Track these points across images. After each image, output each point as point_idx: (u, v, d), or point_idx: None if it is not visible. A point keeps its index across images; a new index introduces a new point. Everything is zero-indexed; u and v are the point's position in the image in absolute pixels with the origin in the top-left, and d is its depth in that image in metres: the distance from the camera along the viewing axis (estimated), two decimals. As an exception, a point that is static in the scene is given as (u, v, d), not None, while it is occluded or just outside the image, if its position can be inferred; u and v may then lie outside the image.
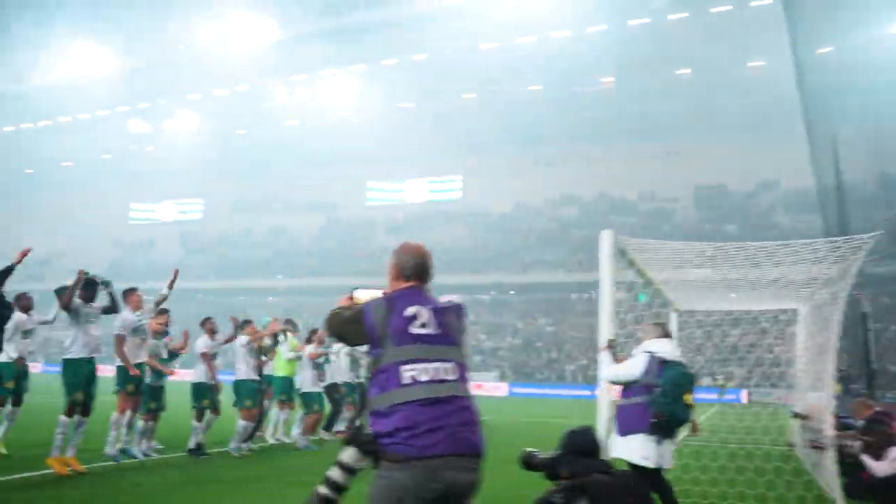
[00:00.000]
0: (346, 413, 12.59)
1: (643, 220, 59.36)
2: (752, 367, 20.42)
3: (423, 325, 3.07)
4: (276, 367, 10.95)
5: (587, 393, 42.89)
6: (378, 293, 3.31)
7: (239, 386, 9.78)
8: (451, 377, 2.99)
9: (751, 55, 56.18)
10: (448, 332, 3.16)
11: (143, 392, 8.50)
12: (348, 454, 2.90)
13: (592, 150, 65.71)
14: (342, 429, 12.44)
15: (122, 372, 8.16)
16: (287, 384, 11.00)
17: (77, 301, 7.81)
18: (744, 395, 37.47)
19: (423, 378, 2.91)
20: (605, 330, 6.26)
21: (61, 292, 7.89)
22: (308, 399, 11.11)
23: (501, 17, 55.85)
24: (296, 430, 11.26)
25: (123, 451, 8.41)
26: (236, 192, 76.61)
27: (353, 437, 2.93)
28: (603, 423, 6.01)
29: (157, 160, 76.25)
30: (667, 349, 5.86)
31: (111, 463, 7.98)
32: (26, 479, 6.77)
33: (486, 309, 56.24)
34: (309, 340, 11.48)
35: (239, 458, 9.29)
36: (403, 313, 3.07)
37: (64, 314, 8.36)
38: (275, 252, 68.79)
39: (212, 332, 10.02)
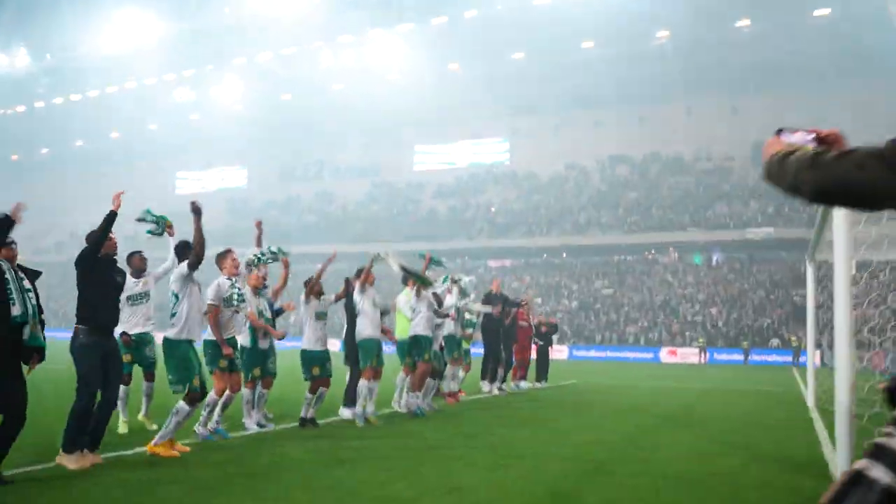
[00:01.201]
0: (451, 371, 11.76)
1: (699, 180, 57.74)
2: None
3: None
4: (401, 328, 10.14)
5: (648, 356, 42.28)
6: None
7: (364, 346, 8.96)
8: None
9: (816, 2, 53.84)
10: None
11: (238, 367, 7.38)
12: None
13: (645, 108, 63.95)
14: (455, 389, 11.81)
15: (213, 347, 7.09)
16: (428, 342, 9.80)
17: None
18: None
19: None
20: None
21: (184, 250, 7.04)
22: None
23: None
24: (403, 395, 10.11)
25: (215, 432, 7.22)
26: (282, 159, 76.38)
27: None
28: None
29: (202, 128, 76.34)
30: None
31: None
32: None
33: (540, 272, 55.36)
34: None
35: (363, 427, 8.34)
36: None
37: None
38: (322, 218, 68.53)
39: (318, 294, 8.90)
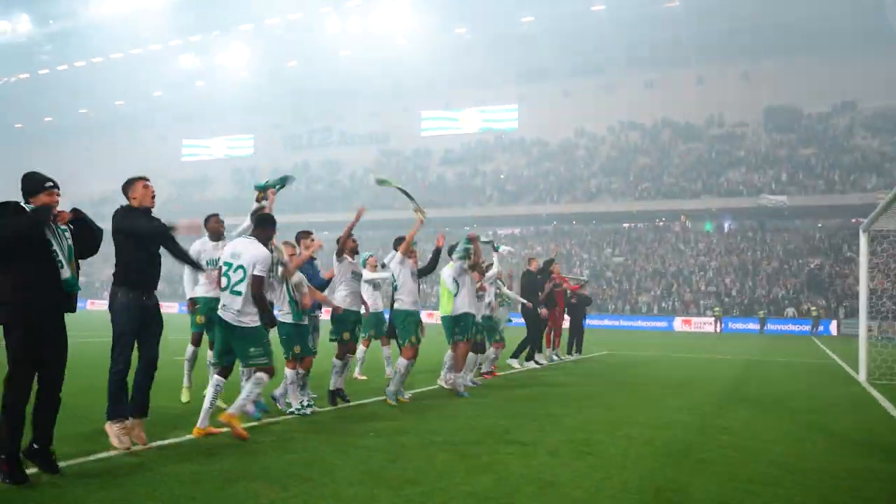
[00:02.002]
0: (493, 352, 11.41)
1: (711, 146, 56.92)
2: None
3: None
4: (445, 304, 9.64)
5: (662, 325, 41.99)
6: None
7: (403, 320, 8.40)
8: None
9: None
10: None
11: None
12: None
13: (656, 73, 62.98)
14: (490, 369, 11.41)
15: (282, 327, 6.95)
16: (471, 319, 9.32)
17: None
18: None
19: None
20: None
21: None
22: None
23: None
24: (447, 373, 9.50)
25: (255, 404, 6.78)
26: (288, 127, 75.56)
27: None
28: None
29: (207, 96, 75.49)
30: None
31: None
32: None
33: (550, 239, 54.85)
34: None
35: (395, 404, 7.88)
36: None
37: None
38: (330, 186, 67.93)
39: (353, 251, 8.30)
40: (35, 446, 4.38)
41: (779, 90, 57.73)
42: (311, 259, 8.21)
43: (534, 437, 6.01)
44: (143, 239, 5.26)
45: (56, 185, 4.53)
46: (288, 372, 7.04)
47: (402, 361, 8.13)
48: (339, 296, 8.01)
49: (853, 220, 48.65)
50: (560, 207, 55.78)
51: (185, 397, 7.50)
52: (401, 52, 64.78)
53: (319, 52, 66.10)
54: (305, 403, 7.01)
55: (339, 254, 8.04)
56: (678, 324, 41.66)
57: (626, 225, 55.58)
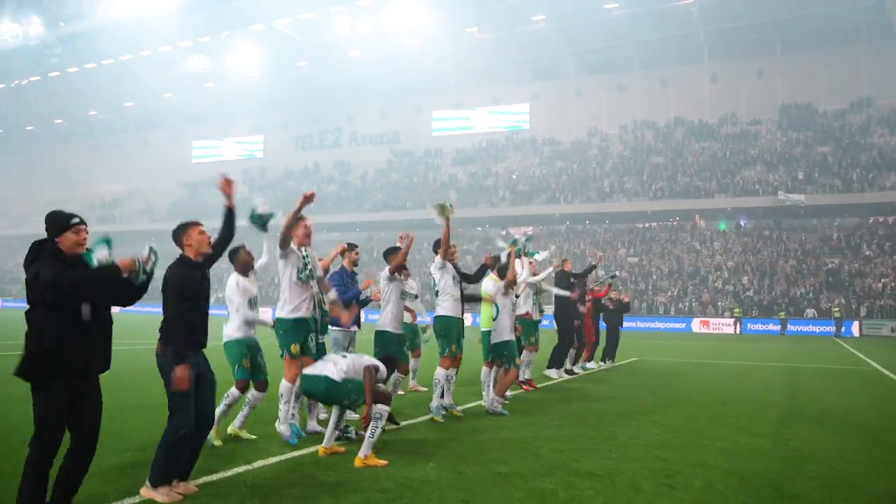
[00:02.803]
0: (528, 357, 11.05)
1: (725, 145, 56.41)
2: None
3: None
4: (486, 318, 9.23)
5: (680, 326, 41.55)
6: None
7: (444, 328, 8.02)
8: None
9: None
10: None
11: (312, 352, 6.60)
12: None
13: (668, 71, 62.53)
14: (529, 377, 11.09)
15: (287, 326, 6.45)
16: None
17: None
18: None
19: None
20: None
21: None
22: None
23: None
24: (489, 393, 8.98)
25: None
26: (299, 128, 75.36)
27: None
28: None
29: (217, 97, 75.41)
30: None
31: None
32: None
33: (563, 239, 54.48)
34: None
35: (442, 421, 7.56)
36: None
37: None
38: (341, 187, 67.68)
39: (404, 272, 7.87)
40: None
41: (794, 87, 57.25)
42: (353, 273, 7.93)
43: (607, 467, 5.67)
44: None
45: (83, 222, 4.13)
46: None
47: (439, 371, 7.80)
48: (388, 316, 7.60)
49: (871, 219, 48.18)
50: (573, 207, 55.36)
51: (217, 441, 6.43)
52: (412, 52, 64.47)
53: (330, 52, 65.80)
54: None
55: (393, 271, 7.64)
56: (696, 325, 41.23)
57: (639, 225, 55.16)
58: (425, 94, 69.67)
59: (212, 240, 5.05)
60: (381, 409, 5.62)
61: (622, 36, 61.69)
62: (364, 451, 5.57)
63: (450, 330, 7.95)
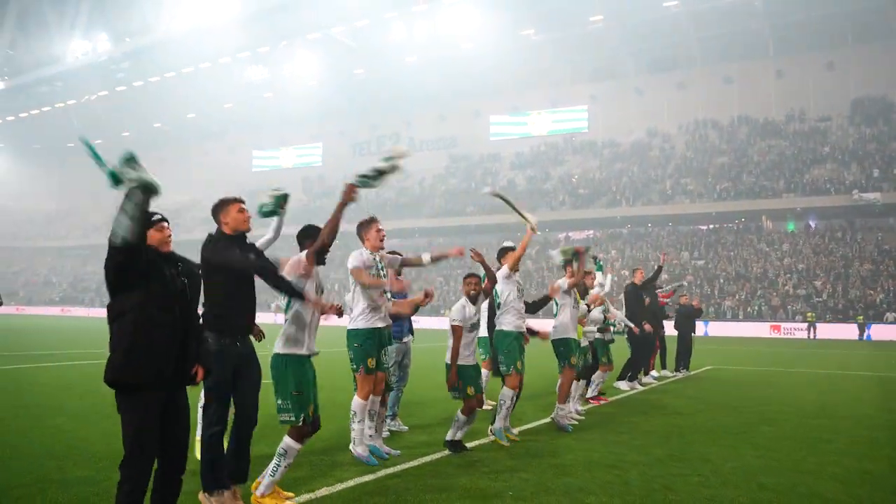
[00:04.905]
0: (600, 376, 10.42)
1: (793, 142, 54.40)
2: None
3: None
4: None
5: (750, 331, 39.94)
6: None
7: (511, 341, 7.26)
8: None
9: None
10: None
11: (386, 366, 6.18)
12: None
13: (731, 68, 60.73)
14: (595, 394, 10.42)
15: (362, 339, 5.98)
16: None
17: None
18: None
19: None
20: None
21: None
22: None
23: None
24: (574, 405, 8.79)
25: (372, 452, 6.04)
26: (356, 135, 75.80)
27: None
28: None
29: (276, 106, 76.45)
30: None
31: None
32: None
33: (624, 243, 53.27)
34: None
35: (507, 445, 6.98)
36: None
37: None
38: (399, 193, 67.67)
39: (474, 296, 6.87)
40: None
41: (867, 80, 54.92)
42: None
43: (706, 498, 5.06)
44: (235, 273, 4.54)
45: (164, 219, 3.88)
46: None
47: (506, 392, 7.24)
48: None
49: (953, 217, 45.77)
50: (634, 210, 54.13)
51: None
52: (467, 56, 64.19)
53: (386, 58, 66.04)
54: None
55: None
56: (766, 329, 39.62)
57: (703, 227, 53.54)
58: (482, 98, 69.28)
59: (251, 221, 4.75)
60: (289, 443, 4.80)
61: (683, 33, 60.24)
62: (262, 488, 4.76)
63: (514, 347, 7.37)
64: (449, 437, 6.68)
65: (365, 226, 6.27)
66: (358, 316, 6.09)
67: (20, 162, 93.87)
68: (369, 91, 71.99)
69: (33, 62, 76.07)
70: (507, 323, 7.38)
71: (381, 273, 6.17)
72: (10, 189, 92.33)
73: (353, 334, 6.01)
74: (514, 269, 7.48)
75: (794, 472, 5.89)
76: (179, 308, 3.65)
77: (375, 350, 6.01)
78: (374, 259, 6.18)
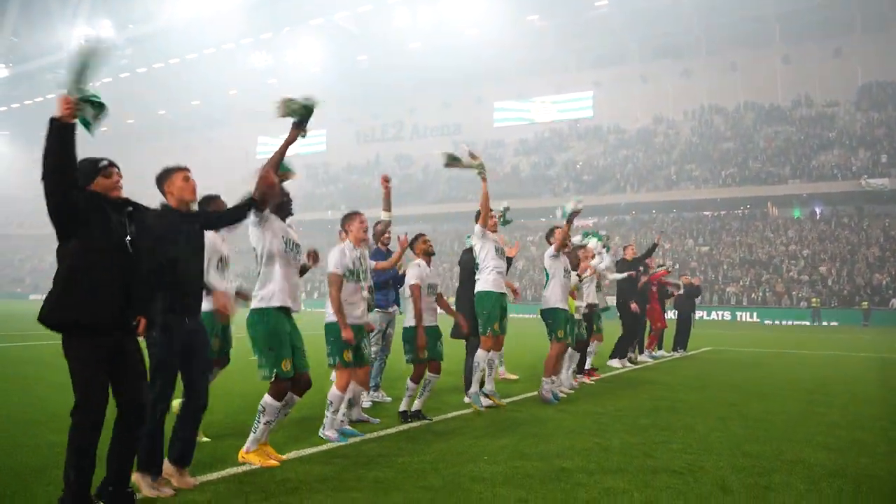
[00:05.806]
0: (593, 346, 10.26)
1: (800, 129, 53.94)
2: None
3: None
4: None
5: (753, 316, 39.78)
6: None
7: (484, 304, 7.21)
8: None
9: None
10: None
11: (367, 360, 5.94)
12: None
13: (737, 54, 60.20)
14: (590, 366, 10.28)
15: (336, 333, 5.60)
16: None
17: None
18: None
19: None
20: None
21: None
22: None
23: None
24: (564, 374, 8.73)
25: (343, 432, 5.77)
26: (360, 122, 75.57)
27: None
28: None
29: (279, 92, 75.87)
30: None
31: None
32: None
33: (629, 229, 53.02)
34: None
35: (483, 410, 6.90)
36: None
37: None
38: (402, 180, 67.45)
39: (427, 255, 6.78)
40: (110, 488, 3.57)
41: (874, 66, 54.32)
42: (388, 251, 7.46)
43: (685, 463, 4.94)
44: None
45: (113, 164, 3.71)
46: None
47: (480, 354, 7.09)
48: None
49: (961, 203, 45.32)
50: (639, 196, 53.84)
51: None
52: (471, 42, 63.82)
53: (389, 44, 65.73)
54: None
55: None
56: (770, 314, 39.37)
57: (708, 213, 53.21)
58: (486, 85, 68.92)
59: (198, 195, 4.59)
60: (267, 400, 4.74)
61: (688, 18, 59.76)
62: (248, 444, 4.77)
63: (492, 307, 7.20)
64: (402, 407, 6.55)
65: (348, 219, 6.08)
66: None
67: (25, 149, 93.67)
68: (373, 78, 71.66)
69: (37, 50, 75.97)
70: (485, 283, 7.24)
71: (361, 273, 5.91)
72: (16, 176, 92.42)
73: (329, 328, 5.79)
74: (485, 226, 7.51)
75: (782, 441, 5.76)
76: (122, 254, 3.51)
77: (353, 344, 5.71)
78: (357, 255, 5.93)
